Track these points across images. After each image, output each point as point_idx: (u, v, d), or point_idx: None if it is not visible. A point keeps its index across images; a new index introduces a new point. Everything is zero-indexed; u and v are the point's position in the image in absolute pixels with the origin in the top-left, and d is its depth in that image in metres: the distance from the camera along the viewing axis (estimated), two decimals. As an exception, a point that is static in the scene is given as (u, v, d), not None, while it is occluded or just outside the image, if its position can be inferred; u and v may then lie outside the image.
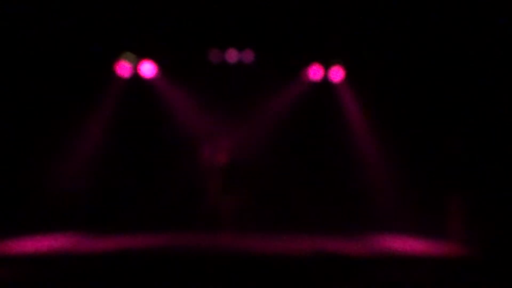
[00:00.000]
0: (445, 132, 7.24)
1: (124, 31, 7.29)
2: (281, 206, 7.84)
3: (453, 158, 7.02)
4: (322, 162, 8.31)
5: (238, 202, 7.50)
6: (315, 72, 7.92)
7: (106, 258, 5.46)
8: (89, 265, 5.37)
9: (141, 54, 7.72)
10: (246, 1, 6.96)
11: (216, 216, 7.55)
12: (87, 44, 7.46)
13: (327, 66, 7.83)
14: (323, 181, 8.27)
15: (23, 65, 7.44)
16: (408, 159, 7.61)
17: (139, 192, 8.17)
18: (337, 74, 7.82)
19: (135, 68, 7.78)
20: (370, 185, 8.04)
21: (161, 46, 7.68)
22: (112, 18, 7.12)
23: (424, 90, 7.44)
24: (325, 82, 8.04)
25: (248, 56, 7.77)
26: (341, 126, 8.31)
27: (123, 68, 7.68)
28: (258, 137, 8.30)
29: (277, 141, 8.30)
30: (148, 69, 7.84)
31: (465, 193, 6.62)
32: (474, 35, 6.56)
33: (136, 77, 7.92)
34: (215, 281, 5.20)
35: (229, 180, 7.45)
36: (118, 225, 7.74)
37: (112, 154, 8.22)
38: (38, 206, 7.55)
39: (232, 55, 7.76)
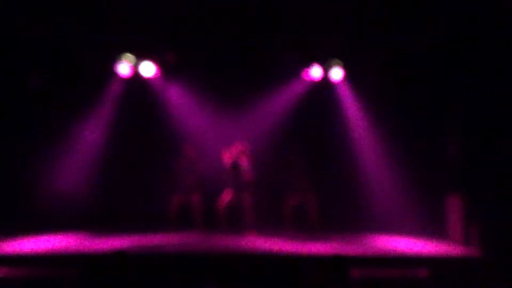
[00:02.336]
0: (445, 131, 7.24)
1: (124, 31, 7.29)
2: (280, 205, 7.81)
3: (452, 157, 7.02)
4: (322, 162, 8.30)
5: (240, 203, 7.51)
6: (315, 72, 7.92)
7: (106, 258, 5.45)
8: (89, 265, 5.36)
9: (141, 54, 7.72)
10: (247, 1, 6.95)
11: (219, 216, 7.56)
12: (88, 44, 7.46)
13: (326, 66, 7.83)
14: (322, 180, 8.27)
15: (23, 64, 7.44)
16: (408, 159, 7.60)
17: (139, 192, 8.17)
18: (336, 73, 7.83)
19: (135, 68, 7.78)
20: (369, 185, 8.04)
21: (161, 46, 7.68)
22: (112, 17, 7.12)
23: (424, 90, 7.44)
24: (325, 81, 8.04)
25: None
26: (341, 126, 8.31)
27: (123, 68, 7.67)
28: (258, 136, 8.31)
29: (276, 140, 8.31)
30: (148, 69, 7.83)
31: (465, 193, 6.62)
32: (473, 34, 6.55)
33: (136, 77, 7.92)
34: (215, 281, 5.21)
35: (235, 180, 7.46)
36: (118, 225, 7.75)
37: (112, 153, 8.23)
38: (38, 206, 7.55)
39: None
